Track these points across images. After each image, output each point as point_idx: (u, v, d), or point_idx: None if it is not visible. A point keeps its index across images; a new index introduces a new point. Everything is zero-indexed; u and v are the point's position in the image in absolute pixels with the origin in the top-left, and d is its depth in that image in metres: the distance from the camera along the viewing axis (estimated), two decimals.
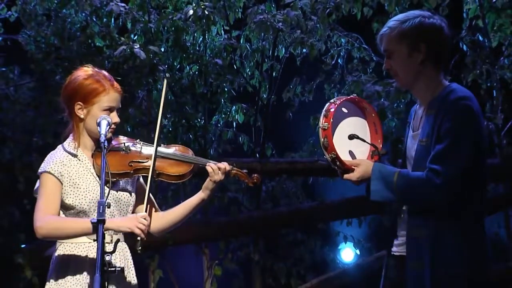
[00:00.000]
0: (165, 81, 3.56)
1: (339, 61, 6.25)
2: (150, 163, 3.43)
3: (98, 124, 3.30)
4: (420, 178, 3.32)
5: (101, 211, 3.04)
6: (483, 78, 5.89)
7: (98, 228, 3.00)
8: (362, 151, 3.52)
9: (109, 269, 3.02)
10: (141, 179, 3.52)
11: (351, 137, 3.49)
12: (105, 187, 3.28)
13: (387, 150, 3.72)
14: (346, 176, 3.42)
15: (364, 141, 3.51)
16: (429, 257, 3.32)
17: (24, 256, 5.59)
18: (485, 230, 3.42)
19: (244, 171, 3.56)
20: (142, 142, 3.52)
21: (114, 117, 3.37)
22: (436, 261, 3.33)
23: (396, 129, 5.67)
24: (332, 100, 3.48)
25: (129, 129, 5.83)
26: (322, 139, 3.43)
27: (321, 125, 3.45)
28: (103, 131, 3.25)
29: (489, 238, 3.64)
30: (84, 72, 3.42)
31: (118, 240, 3.37)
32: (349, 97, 3.56)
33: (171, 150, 3.56)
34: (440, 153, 3.27)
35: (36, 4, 6.00)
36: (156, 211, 3.54)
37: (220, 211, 6.42)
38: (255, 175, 3.56)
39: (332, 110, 3.46)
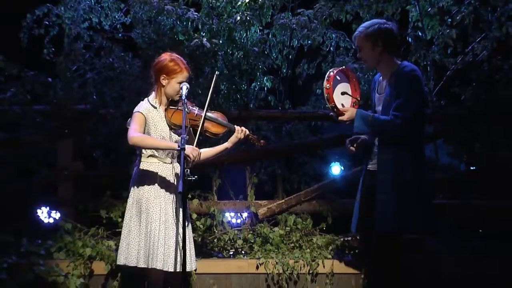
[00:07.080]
0: (215, 75, 3.78)
1: (331, 48, 6.55)
2: (200, 122, 3.65)
3: (181, 88, 3.68)
4: (387, 119, 3.75)
5: (183, 142, 3.52)
6: (421, 59, 6.32)
7: (181, 153, 3.50)
8: (347, 102, 3.91)
9: (188, 178, 3.46)
10: (192, 132, 3.77)
11: (343, 93, 3.85)
12: (172, 132, 3.70)
13: (362, 102, 4.09)
14: (340, 118, 3.80)
15: (350, 95, 3.88)
16: (393, 170, 3.78)
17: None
18: (424, 152, 3.94)
19: (256, 136, 3.86)
20: (198, 107, 3.76)
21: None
22: (397, 172, 3.78)
23: (367, 91, 5.71)
24: (330, 70, 3.89)
25: (200, 91, 6.09)
26: (326, 95, 3.77)
27: (325, 86, 3.79)
28: (184, 92, 3.70)
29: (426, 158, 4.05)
30: (169, 56, 3.80)
31: (193, 161, 3.59)
32: (340, 68, 3.93)
33: (215, 115, 3.77)
34: (399, 104, 3.70)
35: (142, 13, 6.40)
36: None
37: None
38: (262, 140, 3.87)
39: (332, 76, 3.82)
